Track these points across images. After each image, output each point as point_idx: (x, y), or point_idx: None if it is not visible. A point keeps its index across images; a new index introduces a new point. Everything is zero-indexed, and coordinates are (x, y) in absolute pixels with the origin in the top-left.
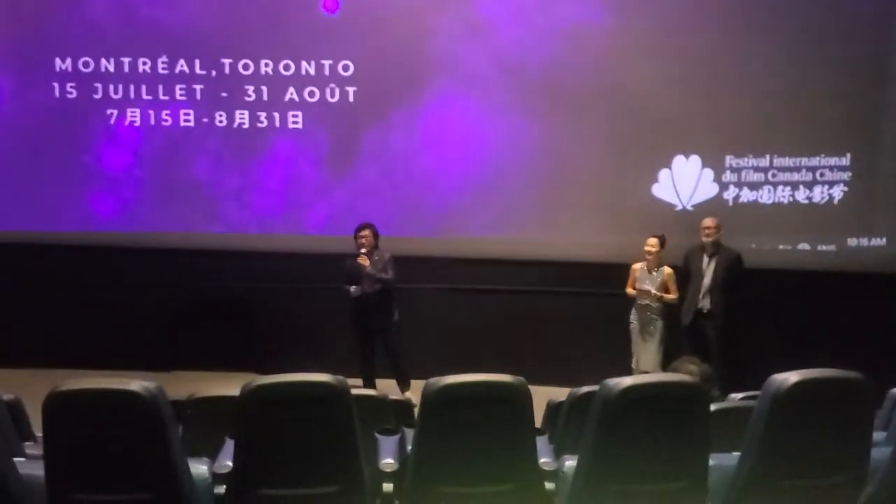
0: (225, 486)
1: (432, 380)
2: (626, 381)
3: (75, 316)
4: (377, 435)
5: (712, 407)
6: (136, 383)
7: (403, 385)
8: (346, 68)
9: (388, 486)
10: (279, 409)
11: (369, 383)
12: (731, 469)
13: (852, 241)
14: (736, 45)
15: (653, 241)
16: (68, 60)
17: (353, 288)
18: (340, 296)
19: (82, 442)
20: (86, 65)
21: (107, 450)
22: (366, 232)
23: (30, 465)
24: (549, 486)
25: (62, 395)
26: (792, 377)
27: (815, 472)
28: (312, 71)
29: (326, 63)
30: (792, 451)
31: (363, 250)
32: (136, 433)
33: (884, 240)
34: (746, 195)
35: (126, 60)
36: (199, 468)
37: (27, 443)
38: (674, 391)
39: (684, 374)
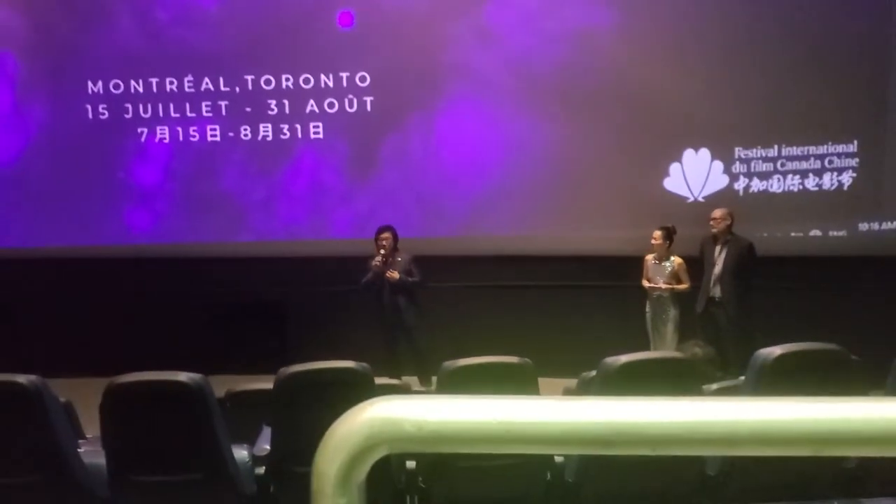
0: (264, 467)
1: (447, 363)
2: (623, 357)
3: (114, 326)
4: None
5: (714, 386)
6: (184, 374)
7: (425, 381)
8: (362, 79)
9: (411, 464)
10: (310, 392)
11: (396, 379)
12: None
13: (863, 226)
14: (739, 39)
15: (656, 233)
16: (100, 83)
17: (370, 273)
18: (367, 297)
19: (138, 429)
20: (116, 86)
21: (160, 435)
22: (386, 234)
23: (87, 455)
24: (558, 459)
25: (119, 386)
26: (776, 351)
27: None
28: (331, 83)
29: (344, 75)
30: None
31: (383, 251)
32: (185, 419)
33: (895, 223)
34: (756, 185)
35: (154, 81)
36: (241, 452)
37: (80, 440)
38: (667, 366)
39: (688, 355)
